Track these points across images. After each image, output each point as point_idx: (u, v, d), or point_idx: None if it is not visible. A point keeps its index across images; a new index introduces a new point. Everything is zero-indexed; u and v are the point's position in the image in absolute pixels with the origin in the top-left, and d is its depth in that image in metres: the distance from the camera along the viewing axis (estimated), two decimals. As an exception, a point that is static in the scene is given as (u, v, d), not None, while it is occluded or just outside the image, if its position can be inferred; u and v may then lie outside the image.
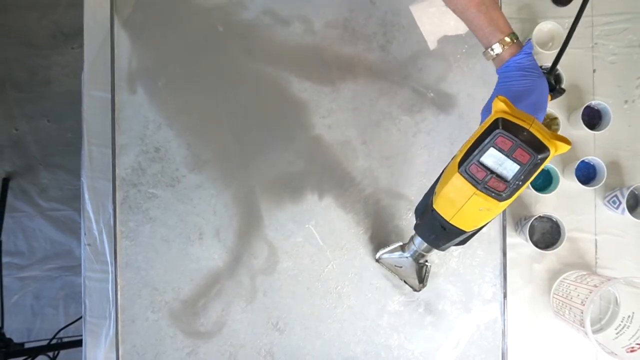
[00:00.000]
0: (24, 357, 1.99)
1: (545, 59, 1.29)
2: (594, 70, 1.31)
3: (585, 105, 1.24)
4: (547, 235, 1.28)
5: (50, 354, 2.09)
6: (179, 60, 1.24)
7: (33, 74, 2.65)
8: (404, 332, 1.23)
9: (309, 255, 1.23)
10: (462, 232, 0.90)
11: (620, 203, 1.23)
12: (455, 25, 1.26)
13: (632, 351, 1.13)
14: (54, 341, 2.13)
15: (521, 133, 0.79)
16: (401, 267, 1.19)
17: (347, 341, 1.23)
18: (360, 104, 1.24)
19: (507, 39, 0.98)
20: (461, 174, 0.83)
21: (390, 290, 1.23)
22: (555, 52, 1.25)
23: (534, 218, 1.23)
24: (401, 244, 1.14)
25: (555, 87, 1.06)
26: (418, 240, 1.04)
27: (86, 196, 1.30)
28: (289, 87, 1.24)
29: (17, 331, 2.62)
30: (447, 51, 1.25)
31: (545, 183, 1.28)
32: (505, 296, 1.23)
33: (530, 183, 1.22)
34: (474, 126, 1.22)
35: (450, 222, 0.89)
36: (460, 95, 1.25)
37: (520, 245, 1.29)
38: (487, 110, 0.99)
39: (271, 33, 1.25)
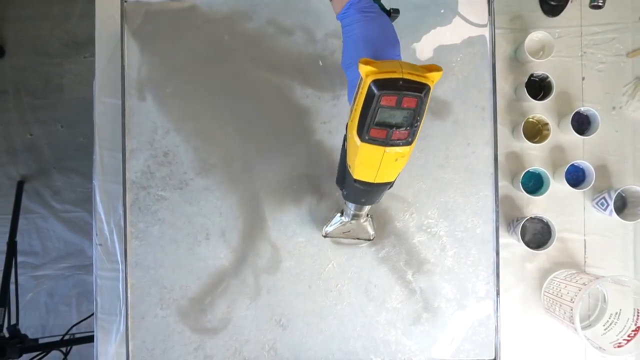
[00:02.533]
0: (38, 352, 1.99)
1: (537, 67, 1.29)
2: (583, 78, 1.31)
3: (574, 112, 1.24)
4: (538, 235, 1.28)
5: (64, 349, 2.10)
6: (186, 68, 1.25)
7: (47, 81, 2.66)
8: (402, 328, 1.23)
9: (311, 255, 1.23)
10: (389, 183, 0.91)
11: (608, 205, 1.23)
12: (450, 35, 1.26)
13: (619, 346, 1.13)
14: (67, 337, 2.13)
15: (398, 84, 0.78)
16: (349, 231, 1.19)
17: (347, 337, 1.23)
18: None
19: None
20: (366, 142, 0.81)
21: (388, 288, 1.23)
22: (547, 60, 1.25)
23: (525, 219, 1.23)
24: (338, 214, 1.14)
25: (390, 12, 1.03)
26: (352, 204, 1.04)
27: (98, 198, 1.30)
28: (292, 94, 1.24)
29: (32, 327, 2.62)
30: (443, 60, 1.25)
31: (536, 186, 1.28)
32: (498, 294, 1.23)
33: (522, 186, 1.22)
34: (469, 131, 1.23)
35: (374, 182, 0.89)
36: (455, 102, 1.25)
37: (512, 245, 1.29)
38: (347, 66, 0.94)
39: (275, 42, 1.25)
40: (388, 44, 0.94)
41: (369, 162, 0.86)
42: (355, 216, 1.08)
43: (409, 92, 0.78)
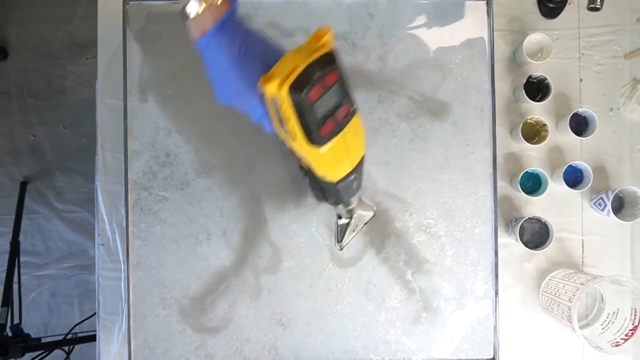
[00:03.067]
0: (41, 351, 1.99)
1: (535, 68, 1.29)
2: (581, 80, 1.31)
3: (572, 113, 1.24)
4: (537, 235, 1.28)
5: (66, 348, 2.10)
6: (187, 70, 1.25)
7: (49, 83, 2.66)
8: (401, 327, 1.23)
9: (311, 255, 1.23)
10: (362, 158, 0.90)
11: (605, 205, 1.23)
12: (449, 37, 1.26)
13: (616, 345, 1.13)
14: (69, 336, 2.13)
15: (310, 73, 0.73)
16: (356, 226, 1.17)
17: (347, 336, 1.23)
18: (359, 111, 1.25)
19: None
20: (321, 143, 0.78)
21: (388, 288, 1.23)
22: (545, 62, 1.25)
23: (524, 219, 1.23)
24: (337, 220, 1.15)
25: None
26: (341, 207, 1.04)
27: (100, 199, 1.30)
28: (292, 96, 1.25)
29: (35, 327, 2.62)
30: (442, 61, 1.25)
31: (534, 186, 1.28)
32: (497, 293, 1.23)
33: (521, 186, 1.22)
34: (468, 132, 1.23)
35: (354, 168, 0.88)
36: (455, 103, 1.25)
37: (511, 245, 1.29)
38: (235, 95, 0.85)
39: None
40: (270, 52, 0.85)
41: (337, 156, 0.83)
42: (350, 210, 1.08)
43: (325, 71, 0.75)
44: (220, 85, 0.85)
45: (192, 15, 0.77)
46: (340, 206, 1.05)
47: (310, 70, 0.74)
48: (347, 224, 1.14)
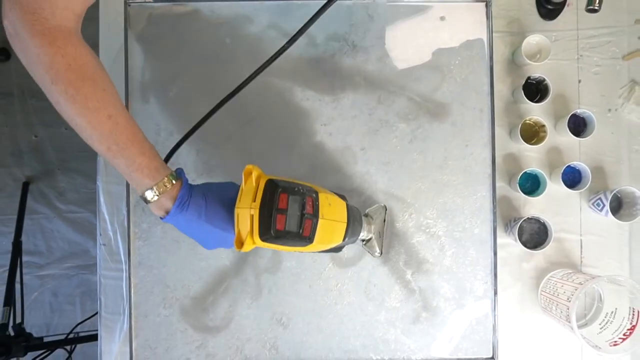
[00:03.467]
0: (43, 351, 1.99)
1: (534, 70, 1.29)
2: (580, 81, 1.31)
3: (571, 114, 1.24)
4: (535, 235, 1.28)
5: (68, 347, 2.10)
6: (189, 71, 1.25)
7: (52, 84, 2.65)
8: (401, 327, 1.23)
9: (311, 254, 1.23)
10: (347, 206, 0.98)
11: (604, 206, 1.23)
12: (448, 38, 1.26)
13: (615, 345, 1.13)
14: (71, 335, 2.13)
15: (266, 215, 0.83)
16: (379, 232, 1.19)
17: (347, 335, 1.23)
18: (359, 112, 1.25)
19: (167, 179, 0.88)
20: (311, 240, 0.86)
21: (387, 288, 1.23)
22: (544, 63, 1.25)
23: (522, 219, 1.23)
24: (365, 245, 1.19)
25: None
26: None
27: (101, 199, 1.30)
28: (293, 97, 1.25)
29: (37, 326, 2.62)
30: (441, 63, 1.25)
31: (533, 187, 1.28)
32: (495, 293, 1.23)
33: (520, 187, 1.22)
34: (467, 133, 1.23)
35: (347, 221, 0.96)
36: (454, 104, 1.25)
37: (509, 245, 1.29)
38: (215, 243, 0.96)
39: (276, 46, 1.24)
40: (221, 191, 0.95)
41: (329, 231, 0.91)
42: (367, 233, 1.13)
43: (274, 202, 0.83)
44: (202, 240, 0.96)
45: (150, 201, 0.87)
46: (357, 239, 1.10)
47: (264, 211, 0.83)
48: (372, 238, 1.16)
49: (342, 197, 1.03)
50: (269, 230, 0.82)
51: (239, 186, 0.93)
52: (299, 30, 0.97)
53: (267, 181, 0.86)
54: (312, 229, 0.85)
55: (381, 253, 1.18)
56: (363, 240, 1.17)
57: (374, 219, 1.16)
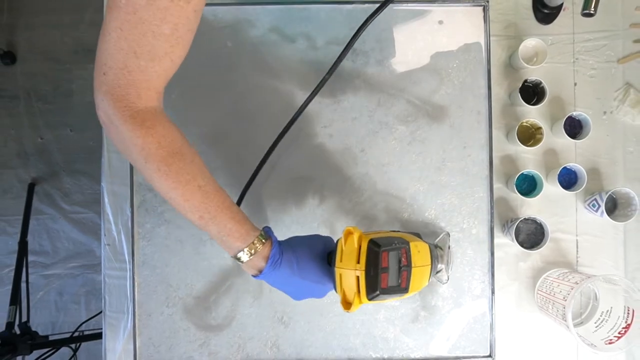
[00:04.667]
0: (48, 349, 1.99)
1: (530, 73, 1.29)
2: (575, 84, 1.31)
3: (567, 116, 1.24)
4: (532, 236, 1.28)
5: (73, 345, 2.10)
6: (191, 74, 1.25)
7: (57, 87, 2.66)
8: (400, 325, 1.23)
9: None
10: (431, 251, 1.01)
11: (599, 206, 1.23)
12: (446, 42, 1.26)
13: (610, 343, 1.13)
14: (76, 334, 2.14)
15: (371, 276, 0.86)
16: (447, 260, 1.15)
17: (347, 334, 1.23)
18: (359, 114, 1.25)
19: (257, 240, 0.91)
20: (407, 290, 0.90)
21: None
22: (540, 66, 1.25)
23: (519, 220, 1.23)
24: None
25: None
26: None
27: (106, 200, 1.30)
28: (293, 99, 1.25)
29: (42, 325, 2.63)
30: (440, 66, 1.26)
31: (530, 188, 1.28)
32: (493, 292, 1.23)
33: (517, 188, 1.22)
34: (465, 135, 1.23)
35: (431, 262, 1.00)
36: (452, 107, 1.25)
37: (506, 245, 1.29)
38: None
39: (277, 49, 1.25)
40: (312, 246, 0.98)
41: (419, 279, 0.95)
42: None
43: (377, 262, 0.86)
44: (293, 292, 0.97)
45: (244, 261, 0.90)
46: None
47: (370, 271, 0.86)
48: (442, 269, 1.14)
49: (417, 235, 1.06)
50: (375, 290, 0.85)
51: (324, 238, 1.00)
52: (353, 35, 1.02)
53: (369, 242, 0.88)
54: (408, 280, 0.89)
55: (448, 279, 1.16)
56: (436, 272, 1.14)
57: (443, 249, 1.14)
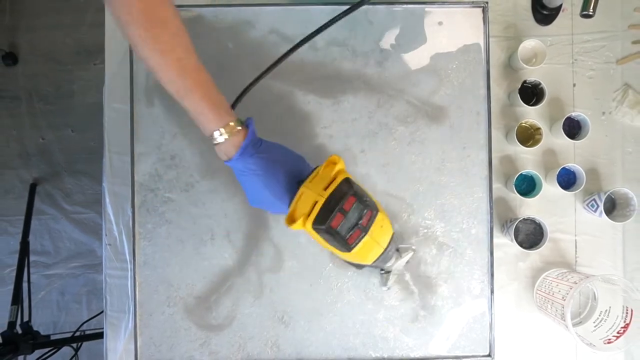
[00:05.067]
0: (50, 348, 1.99)
1: (529, 74, 1.29)
2: (574, 84, 1.31)
3: (566, 117, 1.24)
4: (531, 236, 1.28)
5: (74, 345, 2.10)
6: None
7: (58, 87, 2.66)
8: (399, 325, 1.23)
9: (312, 254, 1.23)
10: (392, 236, 0.97)
11: (598, 206, 1.23)
12: (446, 43, 1.26)
13: (609, 342, 1.13)
14: (77, 333, 2.14)
15: (329, 207, 0.84)
16: (397, 269, 1.14)
17: (347, 333, 1.23)
18: (359, 115, 1.25)
19: (232, 124, 0.90)
20: (350, 249, 0.88)
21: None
22: (540, 67, 1.25)
23: (518, 220, 1.23)
24: (381, 274, 1.16)
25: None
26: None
27: (107, 200, 1.30)
28: (294, 100, 1.25)
29: (44, 324, 2.63)
30: (439, 67, 1.25)
31: (529, 188, 1.28)
32: (492, 292, 1.23)
33: (516, 188, 1.22)
34: (464, 135, 1.23)
35: (387, 247, 0.95)
36: (451, 107, 1.25)
37: (506, 245, 1.29)
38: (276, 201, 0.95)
39: (277, 50, 1.25)
40: (289, 158, 0.98)
41: (367, 249, 0.91)
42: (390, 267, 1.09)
43: (342, 200, 0.84)
44: (251, 195, 0.97)
45: (217, 142, 0.90)
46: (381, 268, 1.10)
47: (329, 203, 0.84)
48: (390, 272, 1.13)
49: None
50: (323, 223, 0.83)
51: (306, 164, 0.98)
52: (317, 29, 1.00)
53: (344, 178, 0.88)
54: (357, 240, 0.87)
55: (388, 288, 1.15)
56: (382, 270, 1.14)
57: (401, 256, 1.11)
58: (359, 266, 1.09)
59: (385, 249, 0.95)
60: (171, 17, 0.85)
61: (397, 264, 1.08)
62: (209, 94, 0.88)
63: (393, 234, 0.97)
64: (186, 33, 0.87)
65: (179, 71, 0.84)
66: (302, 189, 0.89)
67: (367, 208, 0.87)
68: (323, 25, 0.97)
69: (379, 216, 0.90)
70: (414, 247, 1.17)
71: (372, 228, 0.88)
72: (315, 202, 0.85)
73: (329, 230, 0.84)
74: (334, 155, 0.90)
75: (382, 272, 1.15)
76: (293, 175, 0.95)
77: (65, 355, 2.09)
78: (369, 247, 0.90)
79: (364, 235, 0.87)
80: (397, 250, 1.10)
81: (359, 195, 0.87)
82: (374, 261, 0.95)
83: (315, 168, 0.95)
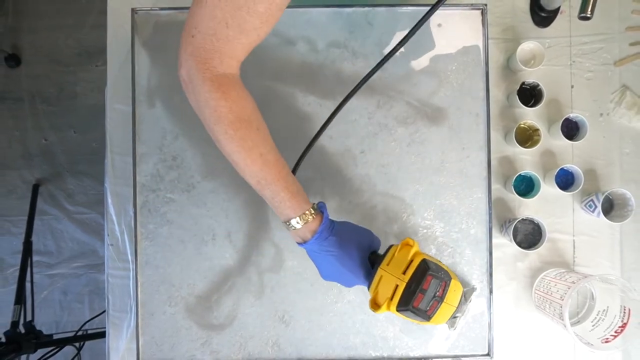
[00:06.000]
0: (52, 347, 1.99)
1: (528, 75, 1.29)
2: (572, 86, 1.31)
3: (564, 118, 1.24)
4: (530, 236, 1.28)
5: (77, 344, 2.10)
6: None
7: (61, 89, 2.66)
8: (399, 324, 1.23)
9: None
10: (462, 294, 0.98)
11: (596, 207, 1.23)
12: (445, 45, 1.26)
13: (606, 342, 1.13)
14: (79, 333, 2.13)
15: (410, 291, 0.89)
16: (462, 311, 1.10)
17: (347, 333, 1.23)
18: (359, 116, 1.25)
19: (308, 212, 0.92)
20: (429, 319, 0.91)
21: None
22: (538, 69, 1.25)
23: (517, 220, 1.23)
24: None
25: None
26: None
27: (109, 200, 1.30)
28: (295, 101, 1.25)
29: (47, 324, 2.63)
30: (439, 68, 1.25)
31: (528, 189, 1.28)
32: (491, 292, 1.23)
33: (514, 189, 1.22)
34: (463, 136, 1.23)
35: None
36: (451, 109, 1.25)
37: (505, 245, 1.29)
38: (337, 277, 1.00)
39: (278, 52, 1.25)
40: (359, 235, 1.01)
41: (443, 315, 0.93)
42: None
43: (421, 282, 0.88)
44: (325, 271, 0.99)
45: (295, 228, 0.92)
46: None
47: (409, 287, 0.88)
48: (458, 317, 1.10)
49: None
50: (408, 305, 0.88)
51: (373, 237, 1.02)
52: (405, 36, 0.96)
53: (422, 260, 0.91)
54: (435, 310, 0.90)
55: (455, 329, 1.12)
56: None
57: (467, 300, 1.13)
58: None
59: (457, 308, 0.96)
60: (256, 113, 0.90)
61: (464, 308, 1.09)
62: (288, 185, 0.91)
63: (463, 290, 0.99)
64: (266, 128, 0.91)
65: (262, 165, 0.88)
66: (380, 271, 0.92)
67: (442, 281, 0.90)
68: (409, 32, 0.96)
69: (452, 283, 0.93)
70: (475, 286, 1.22)
71: (447, 295, 0.91)
72: (397, 286, 0.89)
73: (413, 310, 0.88)
74: (409, 238, 0.95)
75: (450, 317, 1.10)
76: (364, 249, 0.98)
77: (67, 355, 2.09)
78: (445, 312, 0.93)
79: (441, 304, 0.90)
80: (464, 295, 1.09)
81: (435, 273, 0.90)
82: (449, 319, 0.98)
83: (389, 248, 0.98)
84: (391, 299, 0.90)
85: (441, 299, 0.90)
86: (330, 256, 0.94)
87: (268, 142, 0.91)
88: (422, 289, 0.88)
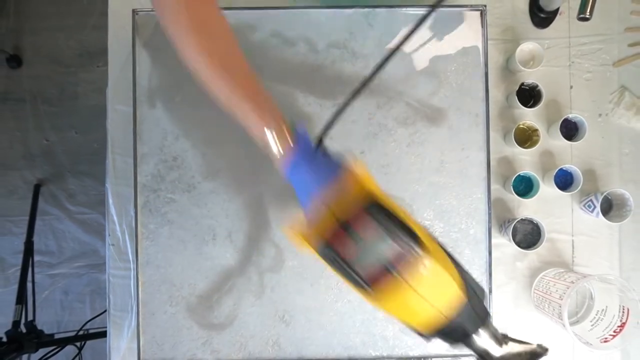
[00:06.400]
0: (53, 347, 1.99)
1: (527, 76, 1.29)
2: (571, 87, 1.31)
3: (563, 118, 1.24)
4: (529, 236, 1.28)
5: (78, 344, 2.10)
6: (194, 78, 1.25)
7: (62, 90, 2.66)
8: (399, 324, 1.23)
9: (313, 254, 1.23)
10: (466, 303, 0.74)
11: (595, 207, 1.23)
12: (445, 46, 1.26)
13: (605, 341, 1.13)
14: (81, 332, 2.13)
15: (336, 227, 0.67)
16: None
17: (347, 332, 1.23)
18: (359, 116, 1.25)
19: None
20: (377, 292, 0.67)
21: (386, 286, 1.23)
22: (537, 69, 1.25)
23: (516, 220, 1.23)
24: None
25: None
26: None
27: (110, 201, 1.30)
28: (295, 102, 1.25)
29: (48, 323, 2.63)
30: (438, 69, 1.25)
31: (527, 189, 1.28)
32: (490, 291, 1.23)
33: (514, 189, 1.22)
34: (463, 137, 1.23)
35: (447, 320, 0.75)
36: (450, 109, 1.25)
37: (504, 245, 1.29)
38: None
39: (278, 53, 1.25)
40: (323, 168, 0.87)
41: (403, 306, 0.70)
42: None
43: (352, 221, 0.65)
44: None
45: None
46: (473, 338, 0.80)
47: (336, 225, 0.67)
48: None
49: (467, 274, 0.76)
50: (322, 243, 0.67)
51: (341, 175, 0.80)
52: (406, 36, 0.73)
53: (372, 195, 0.70)
54: (385, 285, 0.65)
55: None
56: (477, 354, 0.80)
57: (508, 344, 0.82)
58: (428, 337, 0.80)
59: (452, 319, 0.73)
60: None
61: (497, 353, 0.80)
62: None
63: (468, 302, 0.74)
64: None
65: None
66: (315, 205, 0.75)
67: (400, 244, 0.64)
68: (410, 32, 0.72)
69: (431, 263, 0.66)
70: (544, 346, 0.82)
71: (407, 273, 0.65)
72: (322, 221, 0.70)
73: (334, 256, 0.67)
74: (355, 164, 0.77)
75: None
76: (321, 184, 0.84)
77: (68, 354, 2.09)
78: (407, 297, 0.67)
79: (396, 278, 0.65)
80: (505, 337, 0.83)
81: (384, 220, 0.65)
82: (436, 331, 0.76)
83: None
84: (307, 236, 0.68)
85: (398, 273, 0.64)
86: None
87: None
88: (352, 230, 0.65)
